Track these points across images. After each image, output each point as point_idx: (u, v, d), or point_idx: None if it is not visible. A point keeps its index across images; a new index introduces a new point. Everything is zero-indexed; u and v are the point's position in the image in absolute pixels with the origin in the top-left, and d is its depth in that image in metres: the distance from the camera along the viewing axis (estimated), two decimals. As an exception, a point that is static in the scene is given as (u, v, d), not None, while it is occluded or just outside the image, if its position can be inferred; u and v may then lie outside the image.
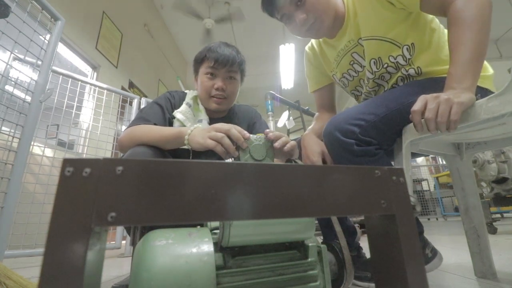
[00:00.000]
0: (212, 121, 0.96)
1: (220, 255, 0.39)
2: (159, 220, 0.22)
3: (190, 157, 0.86)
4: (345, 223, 0.96)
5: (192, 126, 0.86)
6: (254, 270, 0.40)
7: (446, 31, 0.75)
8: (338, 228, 0.57)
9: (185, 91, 1.02)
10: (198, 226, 0.52)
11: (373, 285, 0.81)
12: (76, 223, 0.20)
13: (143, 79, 4.05)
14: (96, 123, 2.00)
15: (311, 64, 1.06)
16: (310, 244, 0.45)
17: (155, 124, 0.85)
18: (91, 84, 2.02)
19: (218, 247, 0.40)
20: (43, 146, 1.65)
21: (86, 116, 2.17)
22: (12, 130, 1.13)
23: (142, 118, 0.86)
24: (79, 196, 0.21)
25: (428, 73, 0.79)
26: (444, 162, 4.98)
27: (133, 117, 2.09)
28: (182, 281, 0.34)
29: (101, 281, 0.24)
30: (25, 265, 1.43)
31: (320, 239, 0.91)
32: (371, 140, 0.69)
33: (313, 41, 1.03)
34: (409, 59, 0.80)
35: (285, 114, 3.00)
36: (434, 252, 0.81)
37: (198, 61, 0.97)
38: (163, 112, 0.91)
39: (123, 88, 3.41)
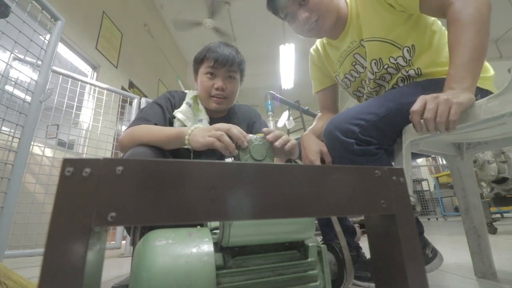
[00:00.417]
0: (212, 120, 0.96)
1: (220, 255, 0.39)
2: (159, 220, 0.22)
3: (191, 157, 0.86)
4: (345, 223, 0.96)
5: (192, 125, 0.86)
6: (254, 270, 0.40)
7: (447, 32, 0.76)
8: (338, 228, 0.57)
9: (185, 91, 1.02)
10: (198, 226, 0.52)
11: (373, 285, 0.81)
12: (76, 223, 0.20)
13: (143, 79, 4.05)
14: (96, 123, 2.00)
15: (315, 66, 1.08)
16: (310, 244, 0.45)
17: (155, 124, 0.85)
18: (91, 84, 2.02)
19: (218, 247, 0.40)
20: (43, 146, 1.65)
21: (86, 116, 2.17)
22: (12, 130, 1.13)
23: (143, 118, 0.86)
24: (79, 196, 0.21)
25: (428, 74, 0.80)
26: (444, 162, 4.98)
27: (133, 117, 2.09)
28: (182, 281, 0.34)
29: (101, 281, 0.24)
30: (25, 265, 1.43)
31: (320, 239, 0.91)
32: (371, 139, 0.69)
33: (317, 43, 1.04)
34: (409, 60, 0.81)
35: (285, 114, 3.00)
36: (435, 252, 0.81)
37: (198, 61, 0.97)
38: (163, 112, 0.91)
39: (123, 88, 3.41)
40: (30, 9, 1.15)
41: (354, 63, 0.91)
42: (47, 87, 1.21)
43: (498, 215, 3.58)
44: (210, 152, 0.93)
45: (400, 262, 0.28)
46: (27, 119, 1.13)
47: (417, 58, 0.80)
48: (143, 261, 0.35)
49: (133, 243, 0.72)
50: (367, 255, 0.93)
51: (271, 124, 2.23)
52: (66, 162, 0.21)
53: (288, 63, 4.86)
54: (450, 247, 1.50)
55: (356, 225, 1.03)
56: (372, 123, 0.69)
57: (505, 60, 4.96)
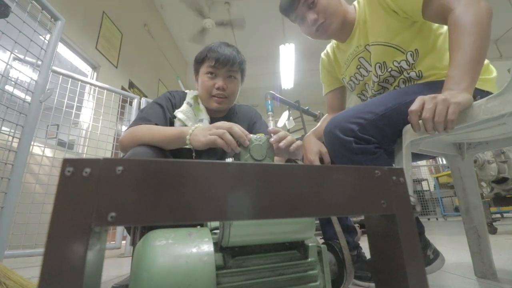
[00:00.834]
0: (213, 120, 0.96)
1: (220, 255, 0.39)
2: (159, 220, 0.22)
3: (193, 157, 0.86)
4: (345, 222, 0.97)
5: (193, 125, 0.87)
6: (254, 270, 0.40)
7: None
8: (338, 228, 0.57)
9: (186, 91, 1.02)
10: (198, 226, 0.52)
11: (373, 285, 0.81)
12: (76, 223, 0.20)
13: (143, 79, 4.05)
14: (96, 123, 2.00)
15: (325, 69, 1.12)
16: (310, 244, 0.45)
17: (156, 124, 0.85)
18: (91, 84, 2.02)
19: (218, 247, 0.40)
20: (43, 146, 1.65)
21: (86, 116, 2.17)
22: (12, 130, 1.13)
23: (143, 118, 0.86)
24: (79, 196, 0.21)
25: (428, 77, 0.81)
26: (444, 162, 4.98)
27: (133, 117, 2.09)
28: (182, 281, 0.34)
29: (101, 281, 0.24)
30: (25, 265, 1.43)
31: (320, 237, 0.91)
32: (370, 138, 0.70)
33: (328, 48, 1.09)
34: (412, 63, 0.83)
35: (285, 114, 2.99)
36: (436, 253, 0.81)
37: (199, 61, 0.97)
38: (163, 112, 0.91)
39: (123, 88, 3.41)
40: (30, 9, 1.14)
41: (359, 67, 0.94)
42: (47, 87, 1.21)
43: (498, 215, 3.58)
44: (211, 152, 0.93)
45: (400, 262, 0.28)
46: (27, 119, 1.13)
47: (420, 62, 0.82)
48: (143, 261, 0.35)
49: (133, 243, 0.71)
50: (367, 255, 0.93)
51: (271, 124, 2.23)
52: (66, 162, 0.21)
53: (288, 63, 4.86)
54: (450, 247, 1.50)
55: (356, 225, 1.03)
56: (371, 121, 0.70)
57: (505, 60, 4.96)
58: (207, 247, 0.38)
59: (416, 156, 0.93)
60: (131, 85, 3.71)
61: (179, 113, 0.91)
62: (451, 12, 0.67)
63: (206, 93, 0.94)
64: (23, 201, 1.43)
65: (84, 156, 2.04)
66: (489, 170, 2.02)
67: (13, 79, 1.19)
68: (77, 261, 0.19)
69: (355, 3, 0.92)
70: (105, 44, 3.18)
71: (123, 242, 2.06)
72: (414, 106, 0.59)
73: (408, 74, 0.84)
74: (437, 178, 4.92)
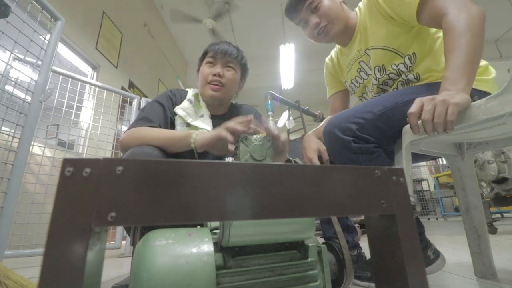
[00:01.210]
0: (213, 118, 0.96)
1: (220, 255, 0.39)
2: (159, 220, 0.22)
3: (195, 156, 0.86)
4: (346, 222, 0.97)
5: (193, 121, 0.89)
6: (254, 270, 0.40)
7: None
8: (338, 228, 0.57)
9: (186, 89, 1.03)
10: (198, 226, 0.52)
11: (373, 284, 0.81)
12: (76, 223, 0.20)
13: (143, 79, 4.05)
14: (96, 123, 2.00)
15: (329, 73, 1.14)
16: (310, 244, 0.45)
17: (159, 125, 0.85)
18: (91, 84, 2.02)
19: (218, 247, 0.40)
20: (43, 146, 1.65)
21: (86, 116, 2.17)
22: (12, 130, 1.13)
23: (146, 118, 0.86)
24: (79, 196, 0.21)
25: (426, 79, 0.83)
26: (444, 162, 4.98)
27: (133, 117, 2.09)
28: (182, 281, 0.34)
29: (101, 281, 0.24)
30: (25, 265, 1.43)
31: (320, 236, 0.91)
32: (369, 137, 0.71)
33: (332, 53, 1.12)
34: (410, 66, 0.85)
35: (285, 114, 2.99)
36: (437, 254, 0.81)
37: (201, 59, 1.00)
38: (164, 111, 0.91)
39: (123, 88, 3.41)
40: (30, 9, 1.14)
41: (359, 70, 0.96)
42: (47, 87, 1.21)
43: (498, 215, 3.58)
44: (212, 156, 0.93)
45: (400, 262, 0.28)
46: (27, 119, 1.13)
47: (418, 65, 0.84)
48: (143, 261, 0.35)
49: (133, 243, 0.71)
50: (367, 255, 0.94)
51: (271, 124, 2.23)
52: (66, 162, 0.21)
53: (288, 63, 4.86)
54: (450, 247, 1.50)
55: (356, 225, 1.04)
56: (369, 121, 0.71)
57: (505, 60, 4.96)
58: (207, 247, 0.38)
59: (417, 158, 0.94)
60: (131, 85, 3.71)
61: (179, 110, 0.91)
62: (444, 16, 0.68)
63: (203, 81, 0.96)
64: (23, 201, 1.43)
65: (84, 156, 2.04)
66: (489, 170, 2.02)
67: (13, 79, 1.19)
68: (77, 261, 0.19)
69: (357, 9, 0.94)
70: (105, 44, 3.18)
71: (123, 242, 2.06)
72: (413, 108, 0.60)
73: (406, 76, 0.86)
74: (437, 178, 4.92)
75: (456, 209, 4.54)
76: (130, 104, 2.15)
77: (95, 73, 3.05)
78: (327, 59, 1.14)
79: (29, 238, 1.47)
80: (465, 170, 0.87)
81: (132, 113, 2.12)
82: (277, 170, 0.26)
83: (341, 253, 0.62)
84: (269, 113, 2.24)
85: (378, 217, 0.31)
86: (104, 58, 3.15)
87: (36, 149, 1.62)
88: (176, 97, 0.98)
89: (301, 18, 0.94)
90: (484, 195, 2.26)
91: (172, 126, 0.91)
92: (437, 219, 4.82)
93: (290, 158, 0.60)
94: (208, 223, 0.49)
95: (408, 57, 0.84)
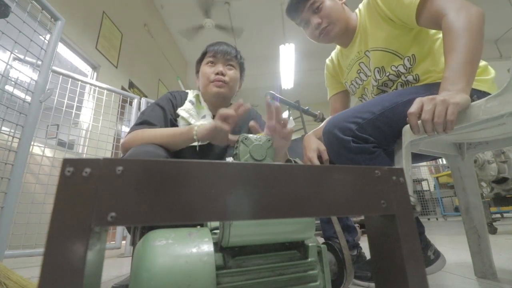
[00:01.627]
0: (215, 117, 0.96)
1: (220, 255, 0.39)
2: (159, 220, 0.22)
3: (197, 149, 0.87)
4: (346, 222, 0.97)
5: (196, 122, 0.89)
6: (254, 270, 0.40)
7: None
8: (338, 228, 0.57)
9: (187, 91, 1.03)
10: (198, 226, 0.52)
11: (373, 285, 0.81)
12: (76, 223, 0.20)
13: (143, 79, 4.05)
14: (96, 123, 2.00)
15: (329, 74, 1.15)
16: (310, 244, 0.45)
17: (160, 128, 0.85)
18: (91, 84, 2.02)
19: (218, 247, 0.40)
20: (43, 146, 1.65)
21: (86, 116, 2.17)
22: (12, 130, 1.13)
23: (146, 122, 0.86)
24: (79, 196, 0.21)
25: (425, 80, 0.83)
26: (444, 162, 4.98)
27: (133, 117, 2.09)
28: (182, 281, 0.34)
29: (101, 281, 0.24)
30: (25, 265, 1.43)
31: (320, 239, 0.91)
32: (368, 137, 0.71)
33: (333, 54, 1.12)
34: (409, 68, 0.85)
35: (285, 114, 2.99)
36: (437, 254, 0.81)
37: (199, 59, 1.01)
38: (165, 114, 0.91)
39: (123, 88, 3.41)
40: (30, 9, 1.14)
41: (359, 71, 0.97)
42: (47, 87, 1.21)
43: (498, 215, 3.58)
44: (212, 149, 0.93)
45: (400, 262, 0.28)
46: (27, 119, 1.13)
47: (417, 66, 0.84)
48: (143, 261, 0.35)
49: (133, 243, 0.71)
50: (367, 255, 0.94)
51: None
52: (66, 162, 0.21)
53: (288, 63, 4.86)
54: (450, 247, 1.50)
55: (356, 225, 1.04)
56: (369, 120, 0.71)
57: (505, 60, 4.96)
58: (207, 247, 0.38)
59: (417, 158, 0.94)
60: (131, 85, 3.71)
61: (182, 111, 0.91)
62: (444, 17, 0.69)
63: (206, 81, 0.96)
64: (23, 201, 1.43)
65: (84, 156, 2.04)
66: (489, 170, 2.02)
67: (13, 79, 1.19)
68: (77, 261, 0.19)
69: (357, 10, 0.95)
70: (105, 44, 3.18)
71: (123, 242, 2.06)
72: (413, 109, 0.60)
73: (406, 78, 0.86)
74: (437, 178, 4.92)
75: (456, 209, 4.54)
76: (130, 104, 2.15)
77: (95, 73, 3.05)
78: (327, 60, 1.14)
79: (29, 238, 1.47)
80: (465, 170, 0.87)
81: (132, 113, 2.12)
82: (277, 170, 0.26)
83: (341, 253, 0.62)
84: (269, 113, 2.23)
85: (378, 217, 0.31)
86: (104, 58, 3.15)
87: (36, 149, 1.62)
88: (176, 99, 0.98)
89: (303, 18, 0.94)
90: (484, 195, 2.26)
91: (171, 123, 0.91)
92: (437, 219, 4.82)
93: (290, 158, 0.60)
94: (208, 223, 0.49)
95: (408, 59, 0.84)
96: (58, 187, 0.20)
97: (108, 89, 2.01)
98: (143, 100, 2.17)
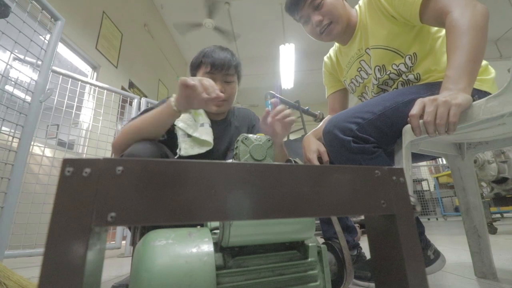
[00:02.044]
0: (212, 123, 0.96)
1: (220, 255, 0.39)
2: (159, 220, 0.22)
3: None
4: (346, 222, 0.97)
5: (194, 132, 0.89)
6: (254, 270, 0.40)
7: None
8: (338, 228, 0.57)
9: None
10: (198, 226, 0.52)
11: (373, 285, 0.81)
12: (76, 223, 0.20)
13: (143, 79, 4.05)
14: (96, 123, 2.00)
15: (328, 72, 1.13)
16: (310, 244, 0.45)
17: None
18: (91, 84, 2.02)
19: (218, 247, 0.40)
20: (43, 146, 1.65)
21: (86, 116, 2.17)
22: (12, 130, 1.13)
23: (134, 119, 0.87)
24: (79, 196, 0.21)
25: (426, 79, 0.83)
26: (444, 162, 4.98)
27: (133, 117, 2.09)
28: (182, 281, 0.34)
29: (101, 281, 0.24)
30: (25, 265, 1.43)
31: (320, 238, 0.91)
32: (369, 137, 0.70)
33: (331, 51, 1.10)
34: (410, 67, 0.84)
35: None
36: (437, 254, 0.81)
37: (195, 66, 0.97)
38: None
39: (123, 88, 3.41)
40: (30, 9, 1.14)
41: (359, 69, 0.95)
42: (47, 87, 1.21)
43: (498, 215, 3.58)
44: (215, 156, 0.93)
45: (400, 262, 0.28)
46: (27, 119, 1.13)
47: (418, 65, 0.83)
48: (143, 261, 0.35)
49: (133, 243, 0.72)
50: (367, 255, 0.93)
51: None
52: (66, 162, 0.21)
53: (288, 63, 4.86)
54: (450, 247, 1.50)
55: (356, 225, 1.04)
56: (369, 121, 0.71)
57: (505, 60, 4.96)
58: (207, 247, 0.38)
59: (417, 158, 0.94)
60: (131, 85, 3.71)
61: (179, 122, 0.90)
62: (448, 15, 0.68)
63: None
64: (23, 201, 1.43)
65: (84, 156, 2.04)
66: (489, 170, 2.02)
67: (13, 79, 1.19)
68: (77, 261, 0.19)
69: (357, 7, 0.93)
70: (105, 44, 3.18)
71: (123, 242, 2.06)
72: (415, 110, 0.59)
73: (407, 77, 0.85)
74: (437, 178, 4.92)
75: (456, 209, 4.54)
76: (130, 104, 2.15)
77: (95, 73, 3.05)
78: (325, 58, 1.13)
79: (29, 238, 1.47)
80: (465, 170, 0.87)
81: (132, 113, 2.12)
82: (277, 170, 0.26)
83: (341, 253, 0.62)
84: (269, 113, 2.23)
85: (378, 217, 0.31)
86: (104, 58, 3.15)
87: (36, 149, 1.62)
88: None
89: (303, 14, 0.91)
90: (484, 195, 2.26)
91: (168, 131, 0.90)
92: (437, 219, 4.82)
93: (290, 158, 0.60)
94: (208, 223, 0.49)
95: (409, 57, 0.83)
96: (58, 187, 0.20)
97: (108, 89, 2.01)
98: (143, 100, 2.17)
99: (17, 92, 1.19)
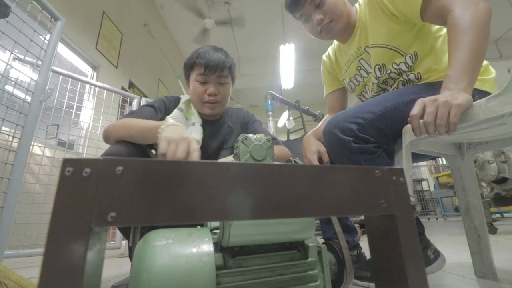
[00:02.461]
0: (205, 123, 0.96)
1: (220, 255, 0.39)
2: (159, 220, 0.22)
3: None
4: (346, 222, 0.97)
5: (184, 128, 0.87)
6: (254, 270, 0.40)
7: None
8: (338, 228, 0.57)
9: (180, 96, 1.03)
10: (198, 226, 0.52)
11: (373, 285, 0.81)
12: (76, 223, 0.20)
13: (143, 79, 4.05)
14: (96, 123, 2.00)
15: (326, 71, 1.12)
16: (310, 244, 0.45)
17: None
18: (91, 84, 2.02)
19: (218, 247, 0.40)
20: (43, 146, 1.65)
21: (86, 116, 2.17)
22: (12, 130, 1.13)
23: (133, 113, 0.88)
24: (79, 196, 0.21)
25: (427, 79, 0.82)
26: (444, 162, 4.98)
27: (133, 117, 2.09)
28: (182, 281, 0.34)
29: (101, 281, 0.24)
30: (25, 265, 1.43)
31: (320, 238, 0.91)
32: (369, 138, 0.70)
33: (329, 49, 1.09)
34: (411, 66, 0.83)
35: (285, 114, 3.00)
36: (437, 253, 0.81)
37: (188, 67, 0.97)
38: (155, 111, 0.92)
39: (123, 88, 3.41)
40: (30, 9, 1.14)
41: (359, 68, 0.95)
42: (47, 87, 1.21)
43: (498, 215, 3.58)
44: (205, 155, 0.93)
45: (400, 262, 0.28)
46: (27, 119, 1.13)
47: (419, 64, 0.83)
48: (143, 261, 0.35)
49: (133, 243, 0.72)
50: (367, 255, 0.93)
51: (271, 124, 2.23)
52: (66, 162, 0.21)
53: (288, 63, 4.86)
54: (450, 247, 1.50)
55: (356, 225, 1.04)
56: (370, 121, 0.70)
57: (505, 60, 4.96)
58: (207, 247, 0.38)
59: (417, 157, 0.94)
60: (131, 85, 3.71)
61: (169, 119, 0.91)
62: (450, 13, 0.67)
63: (198, 100, 0.94)
64: (23, 201, 1.43)
65: (84, 156, 2.04)
66: (489, 170, 2.02)
67: (13, 79, 1.19)
68: (77, 261, 0.19)
69: (357, 5, 0.92)
70: (105, 44, 3.18)
71: (123, 242, 2.06)
72: (415, 111, 0.59)
73: (407, 76, 0.84)
74: (437, 178, 4.92)
75: (456, 209, 4.54)
76: (130, 104, 2.15)
77: (95, 73, 3.05)
78: (324, 56, 1.12)
79: (29, 238, 1.47)
80: (465, 170, 0.87)
81: (132, 113, 2.12)
82: (277, 170, 0.26)
83: (341, 253, 0.62)
84: (269, 113, 2.24)
85: (378, 217, 0.31)
86: (104, 58, 3.15)
87: (36, 149, 1.62)
88: (171, 103, 0.99)
89: (303, 12, 0.90)
90: (484, 195, 2.26)
91: None
92: (437, 219, 4.82)
93: (290, 158, 0.60)
94: (208, 223, 0.49)
95: (410, 56, 0.82)
96: (58, 187, 0.20)
97: (108, 89, 2.01)
98: (143, 100, 2.17)
99: (17, 92, 1.19)
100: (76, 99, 1.81)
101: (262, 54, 5.58)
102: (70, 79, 1.76)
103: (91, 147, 1.99)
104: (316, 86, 5.13)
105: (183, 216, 0.22)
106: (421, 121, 0.59)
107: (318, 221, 1.02)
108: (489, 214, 2.20)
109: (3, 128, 1.11)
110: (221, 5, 4.31)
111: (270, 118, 2.21)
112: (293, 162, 0.68)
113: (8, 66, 1.17)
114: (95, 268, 0.22)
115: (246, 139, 0.51)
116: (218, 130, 1.00)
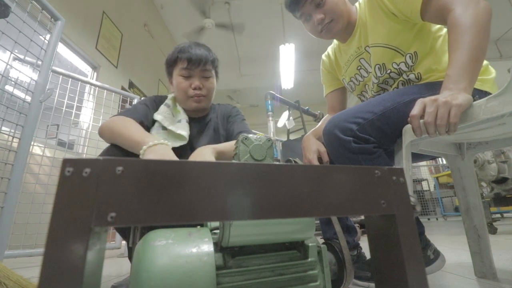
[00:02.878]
0: (191, 120, 0.96)
1: (220, 255, 0.39)
2: (159, 220, 0.22)
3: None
4: (346, 222, 0.97)
5: (169, 125, 0.87)
6: (254, 270, 0.40)
7: None
8: (338, 228, 0.57)
9: (167, 95, 1.03)
10: (198, 226, 0.52)
11: (373, 285, 0.81)
12: (76, 223, 0.20)
13: (143, 79, 4.05)
14: (96, 123, 1.99)
15: (326, 70, 1.12)
16: (310, 244, 0.45)
17: (141, 120, 0.85)
18: (91, 84, 2.02)
19: (218, 247, 0.40)
20: (43, 146, 1.65)
21: (86, 116, 2.17)
22: (12, 130, 1.13)
23: (129, 110, 0.88)
24: (79, 196, 0.21)
25: (427, 78, 0.82)
26: (444, 162, 4.98)
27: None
28: (182, 281, 0.34)
29: (101, 281, 0.24)
30: (25, 265, 1.43)
31: (320, 238, 0.91)
32: (369, 138, 0.70)
33: (329, 49, 1.09)
34: (411, 66, 0.83)
35: (285, 114, 3.00)
36: (437, 253, 0.81)
37: (170, 63, 0.95)
38: (148, 109, 0.93)
39: (123, 88, 3.41)
40: (30, 9, 1.14)
41: (359, 68, 0.94)
42: (47, 87, 1.21)
43: (498, 215, 3.59)
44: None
45: (400, 262, 0.28)
46: (27, 119, 1.13)
47: (419, 64, 0.82)
48: (143, 261, 0.35)
49: (133, 243, 0.71)
50: (367, 255, 0.93)
51: (271, 124, 2.23)
52: (66, 162, 0.21)
53: (288, 63, 4.87)
54: (450, 247, 1.50)
55: (356, 225, 1.04)
56: (370, 121, 0.70)
57: (505, 60, 4.96)
58: (207, 247, 0.38)
59: (417, 157, 0.94)
60: (131, 85, 3.72)
61: (156, 115, 0.91)
62: (450, 12, 0.67)
63: (183, 95, 0.93)
64: (23, 201, 1.43)
65: (84, 156, 2.04)
66: (489, 170, 2.02)
67: (13, 79, 1.19)
68: (77, 261, 0.19)
69: (357, 4, 0.92)
70: (105, 44, 3.18)
71: (123, 242, 2.06)
72: (415, 111, 0.59)
73: (407, 76, 0.84)
74: (437, 178, 4.92)
75: (456, 209, 4.54)
76: (130, 104, 2.15)
77: (95, 73, 3.05)
78: (323, 56, 1.11)
79: (29, 238, 1.47)
80: (465, 170, 0.87)
81: (132, 113, 2.12)
82: (277, 170, 0.26)
83: (341, 253, 0.62)
84: (269, 113, 2.24)
85: (378, 217, 0.31)
86: (104, 58, 3.16)
87: (36, 149, 1.62)
88: (162, 101, 0.99)
89: (304, 12, 0.90)
90: (484, 195, 2.26)
91: (153, 125, 0.92)
92: (437, 219, 4.82)
93: (290, 158, 0.60)
94: (208, 223, 0.49)
95: (410, 56, 0.82)
96: (58, 187, 0.20)
97: (108, 89, 2.01)
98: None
99: (17, 92, 1.19)
100: (76, 99, 1.81)
101: (262, 54, 5.58)
102: (70, 79, 1.76)
103: (91, 147, 1.99)
104: (316, 86, 5.13)
105: (183, 216, 0.22)
106: (421, 121, 0.59)
107: (318, 221, 1.02)
108: (489, 214, 2.20)
109: (3, 128, 1.11)
110: (221, 5, 4.31)
111: (270, 118, 2.21)
112: (293, 162, 0.68)
113: (8, 66, 1.17)
114: (95, 268, 0.22)
115: (246, 139, 0.51)
116: (204, 129, 1.00)
